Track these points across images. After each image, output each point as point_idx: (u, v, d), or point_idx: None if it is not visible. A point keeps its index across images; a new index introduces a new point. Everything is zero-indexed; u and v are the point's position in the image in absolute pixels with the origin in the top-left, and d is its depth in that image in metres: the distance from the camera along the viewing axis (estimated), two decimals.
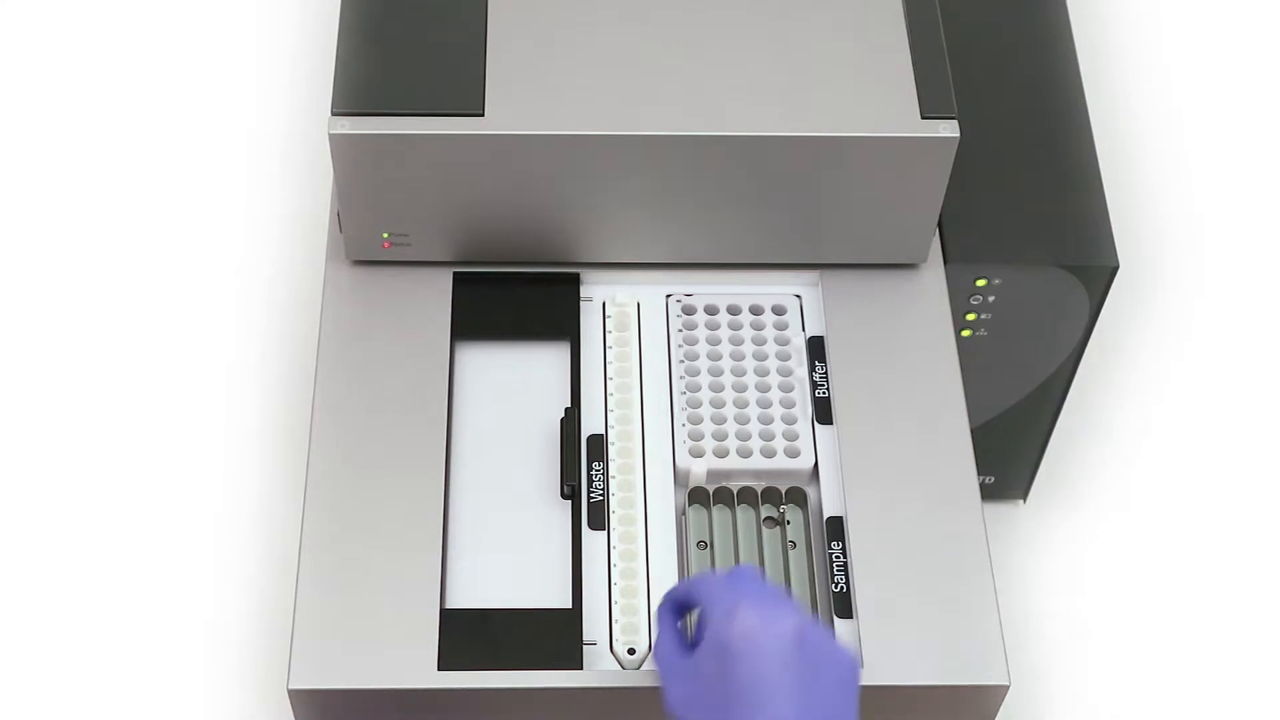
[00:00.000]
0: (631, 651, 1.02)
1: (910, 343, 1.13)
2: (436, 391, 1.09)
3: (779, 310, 1.15)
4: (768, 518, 1.09)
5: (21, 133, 1.57)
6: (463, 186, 1.08)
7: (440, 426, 1.08)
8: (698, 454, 1.09)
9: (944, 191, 1.10)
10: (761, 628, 0.90)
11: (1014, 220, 1.20)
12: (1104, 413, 1.47)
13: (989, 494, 1.37)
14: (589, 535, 1.06)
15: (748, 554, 1.07)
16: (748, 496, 1.08)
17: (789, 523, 1.08)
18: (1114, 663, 1.36)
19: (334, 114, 1.06)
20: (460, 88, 1.07)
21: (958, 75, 1.20)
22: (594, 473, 1.08)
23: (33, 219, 1.52)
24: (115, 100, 1.58)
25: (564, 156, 1.07)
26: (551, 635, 1.02)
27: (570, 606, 1.03)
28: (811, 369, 1.13)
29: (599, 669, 1.01)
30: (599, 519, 1.07)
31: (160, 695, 1.30)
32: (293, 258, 1.49)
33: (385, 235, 1.11)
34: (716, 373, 1.13)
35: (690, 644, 0.94)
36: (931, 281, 1.16)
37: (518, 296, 1.14)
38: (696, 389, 1.12)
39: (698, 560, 1.06)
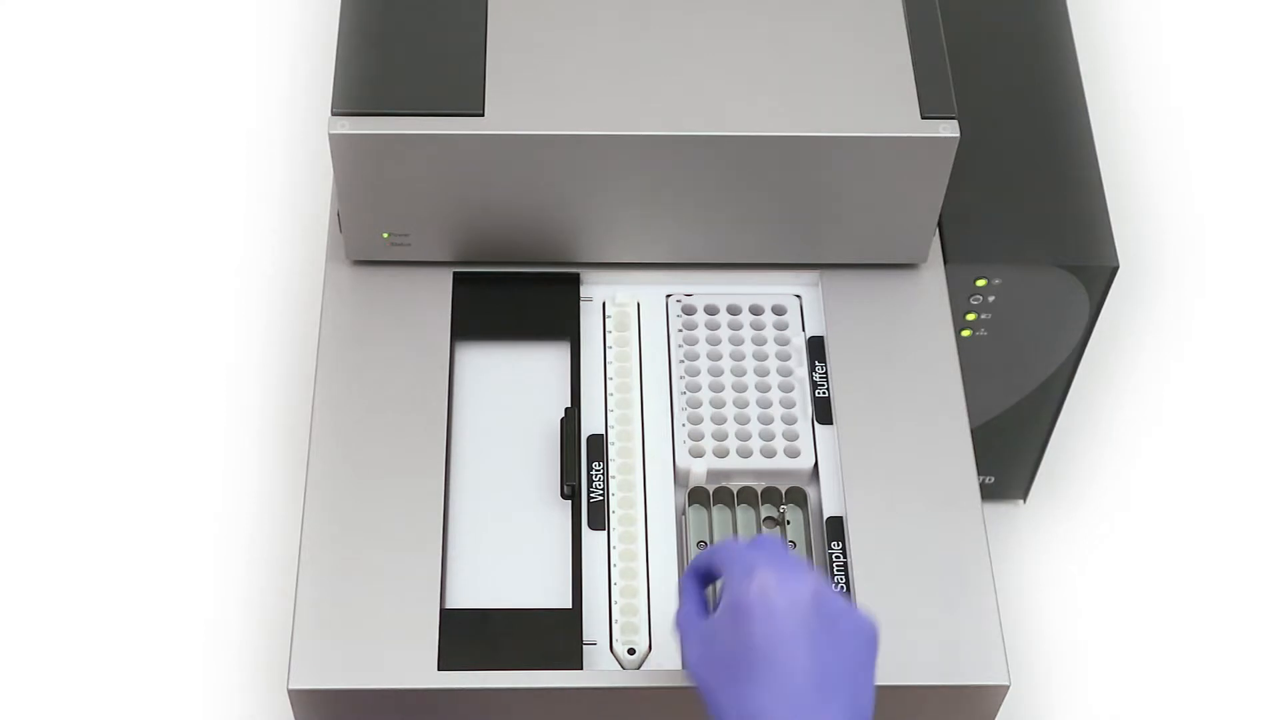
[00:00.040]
0: (631, 651, 1.02)
1: (910, 343, 1.13)
2: (436, 391, 1.09)
3: (779, 310, 1.15)
4: (768, 518, 1.09)
5: (21, 133, 1.57)
6: (463, 186, 1.08)
7: (440, 426, 1.08)
8: (698, 454, 1.09)
9: (944, 191, 1.10)
10: (779, 587, 0.90)
11: (1014, 220, 1.20)
12: (1104, 413, 1.47)
13: (989, 494, 1.37)
14: (589, 535, 1.06)
15: None
16: (748, 496, 1.08)
17: (789, 523, 1.08)
18: (1113, 663, 1.36)
19: (334, 114, 1.06)
20: (460, 88, 1.07)
21: (958, 75, 1.20)
22: (594, 473, 1.08)
23: (33, 219, 1.52)
24: (115, 100, 1.58)
25: (564, 156, 1.07)
26: (551, 635, 1.02)
27: (570, 606, 1.03)
28: (811, 369, 1.13)
29: (599, 669, 1.01)
30: (599, 519, 1.07)
31: (160, 695, 1.30)
32: (293, 258, 1.49)
33: (385, 235, 1.11)
34: (716, 373, 1.13)
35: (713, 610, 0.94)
36: (931, 281, 1.16)
37: (518, 296, 1.14)
38: (696, 389, 1.12)
39: None
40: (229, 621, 1.33)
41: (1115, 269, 1.19)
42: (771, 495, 1.09)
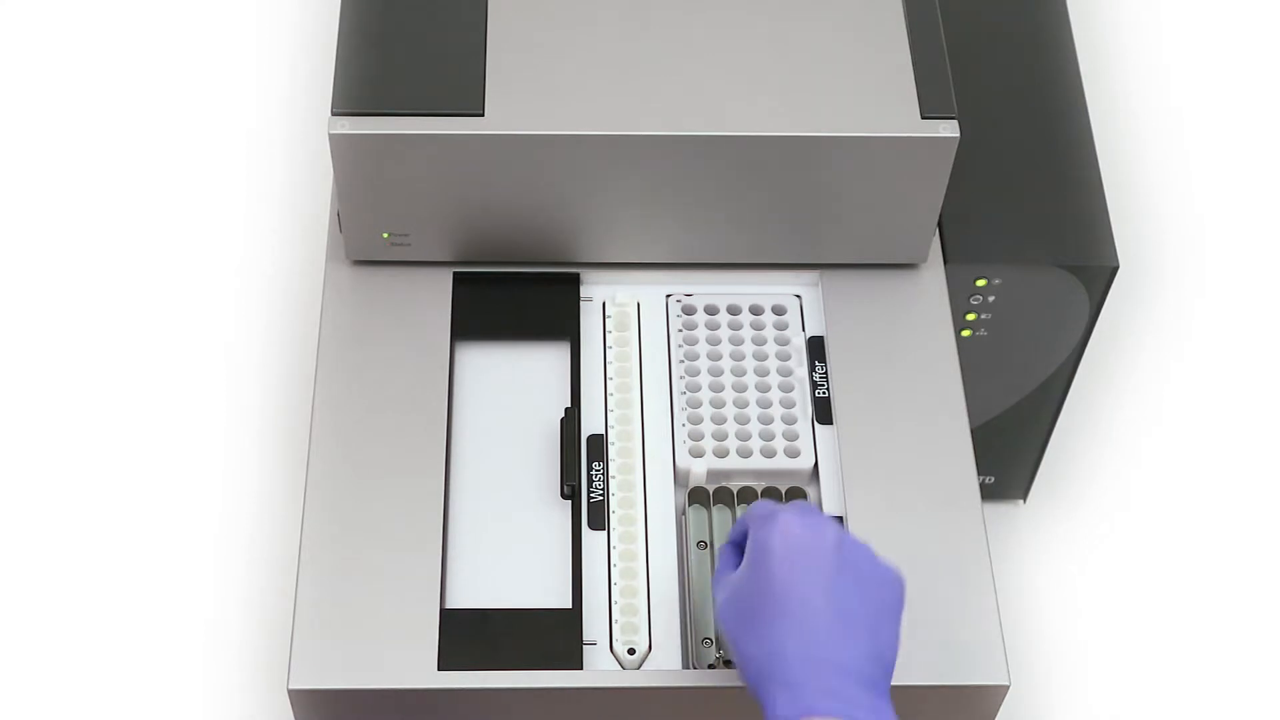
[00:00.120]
0: (631, 651, 1.02)
1: (910, 343, 1.13)
2: (436, 391, 1.09)
3: (779, 310, 1.15)
4: None
5: (21, 133, 1.57)
6: (463, 186, 1.08)
7: (440, 426, 1.08)
8: (698, 454, 1.09)
9: (944, 191, 1.10)
10: (801, 530, 0.91)
11: (1014, 220, 1.20)
12: (1104, 413, 1.47)
13: (989, 494, 1.37)
14: (589, 535, 1.06)
15: None
16: (748, 496, 1.08)
17: None
18: (1113, 663, 1.36)
19: (334, 114, 1.06)
20: (460, 88, 1.07)
21: (958, 75, 1.20)
22: (594, 473, 1.08)
23: (33, 219, 1.52)
24: (115, 100, 1.58)
25: (564, 156, 1.07)
26: (551, 635, 1.02)
27: (570, 606, 1.03)
28: (811, 369, 1.13)
29: (599, 669, 1.01)
30: (599, 519, 1.07)
31: (160, 695, 1.30)
32: (293, 258, 1.49)
33: (385, 235, 1.11)
34: (716, 373, 1.13)
35: None
36: (931, 281, 1.16)
37: (518, 296, 1.14)
38: (696, 389, 1.12)
39: (698, 560, 1.06)
40: (229, 621, 1.33)
41: (1115, 269, 1.19)
42: (772, 495, 1.09)
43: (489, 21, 1.10)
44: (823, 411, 1.11)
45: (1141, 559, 1.41)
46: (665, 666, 1.02)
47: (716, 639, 1.03)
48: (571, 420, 1.09)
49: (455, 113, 1.06)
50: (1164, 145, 1.60)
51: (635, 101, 1.07)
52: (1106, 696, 1.35)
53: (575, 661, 1.01)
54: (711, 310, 1.15)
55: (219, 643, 1.32)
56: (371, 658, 1.00)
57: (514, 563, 1.05)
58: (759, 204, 1.10)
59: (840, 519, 1.06)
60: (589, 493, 1.07)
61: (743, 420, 1.11)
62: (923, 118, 1.07)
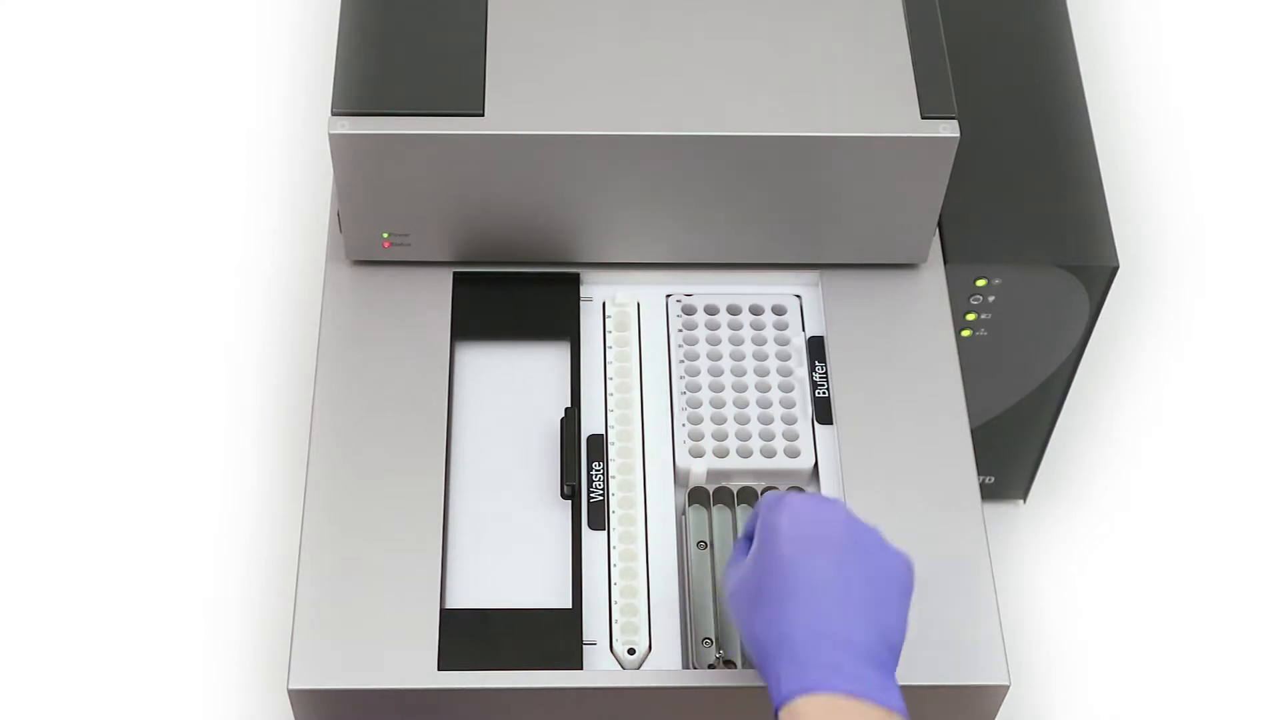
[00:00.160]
0: (631, 651, 1.02)
1: (910, 343, 1.13)
2: (436, 391, 1.09)
3: (779, 310, 1.15)
4: None
5: (21, 133, 1.57)
6: (463, 186, 1.08)
7: (440, 426, 1.08)
8: (698, 454, 1.09)
9: (944, 191, 1.10)
10: (809, 512, 0.92)
11: (1014, 220, 1.20)
12: (1104, 413, 1.47)
13: (989, 494, 1.37)
14: (589, 535, 1.06)
15: None
16: (748, 496, 1.08)
17: None
18: (1113, 663, 1.36)
19: (334, 114, 1.06)
20: (460, 88, 1.07)
21: (958, 75, 1.20)
22: (594, 473, 1.08)
23: (33, 219, 1.52)
24: (115, 100, 1.58)
25: (564, 156, 1.07)
26: (551, 635, 1.02)
27: (570, 606, 1.03)
28: (811, 369, 1.13)
29: (599, 669, 1.01)
30: (599, 519, 1.07)
31: (160, 695, 1.30)
32: (293, 258, 1.49)
33: (385, 235, 1.11)
34: (716, 373, 1.13)
35: None
36: (931, 281, 1.16)
37: (518, 296, 1.14)
38: (696, 389, 1.12)
39: (698, 560, 1.06)
40: (229, 621, 1.33)
41: (1115, 269, 1.19)
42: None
43: (489, 21, 1.10)
44: (823, 411, 1.11)
45: (1141, 559, 1.41)
46: (665, 666, 1.02)
47: (716, 639, 1.03)
48: (571, 420, 1.09)
49: (455, 113, 1.06)
50: (1164, 145, 1.60)
51: (635, 101, 1.07)
52: (1106, 696, 1.35)
53: (575, 661, 1.01)
54: (711, 310, 1.15)
55: (219, 643, 1.32)
56: (371, 658, 1.00)
57: (514, 563, 1.05)
58: (759, 204, 1.10)
59: None
60: (589, 493, 1.07)
61: (743, 420, 1.11)
62: (923, 118, 1.07)
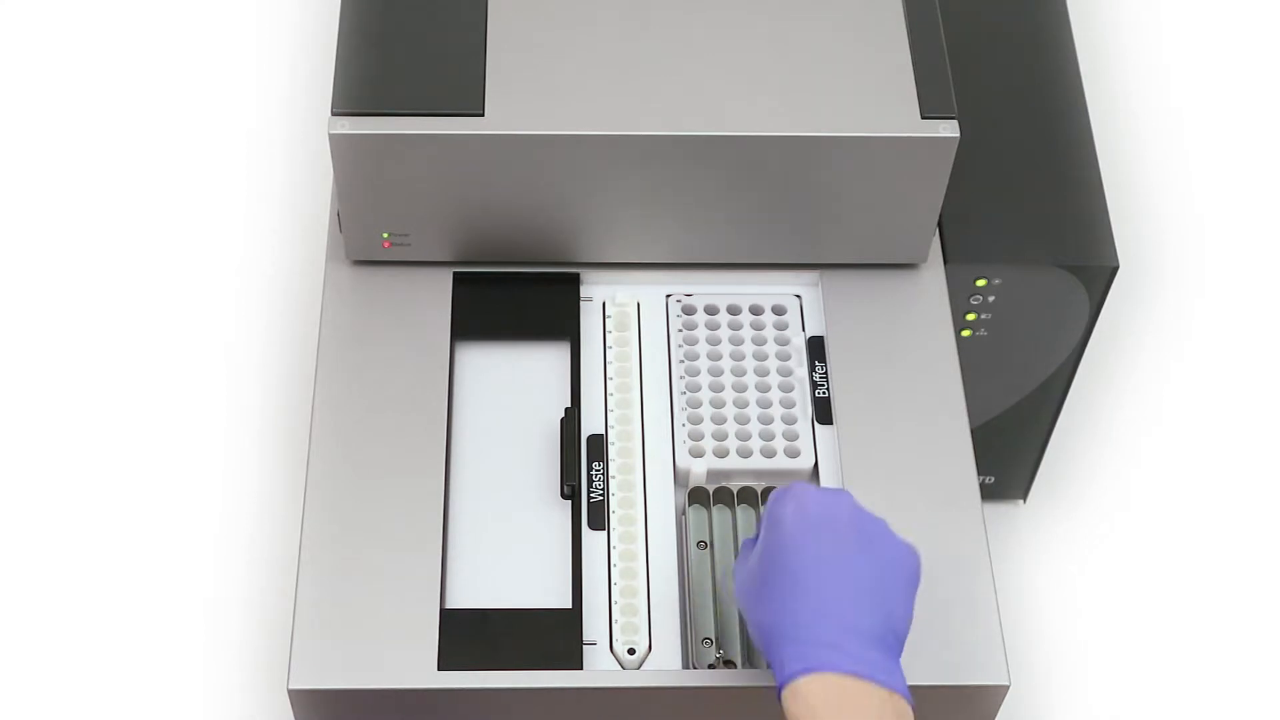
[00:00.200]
0: (631, 651, 1.02)
1: (910, 343, 1.13)
2: (436, 391, 1.09)
3: (779, 310, 1.15)
4: None
5: (21, 133, 1.57)
6: (463, 186, 1.08)
7: (440, 426, 1.08)
8: (698, 454, 1.09)
9: (944, 191, 1.10)
10: (815, 500, 0.92)
11: (1014, 220, 1.20)
12: (1104, 413, 1.47)
13: (989, 494, 1.37)
14: (589, 535, 1.06)
15: None
16: (748, 496, 1.08)
17: None
18: (1113, 663, 1.36)
19: (334, 114, 1.06)
20: (460, 88, 1.07)
21: (958, 75, 1.20)
22: (594, 473, 1.08)
23: (33, 219, 1.52)
24: (115, 100, 1.58)
25: (564, 156, 1.07)
26: (551, 635, 1.02)
27: (570, 606, 1.03)
28: (811, 369, 1.13)
29: (599, 669, 1.01)
30: (599, 519, 1.07)
31: (160, 695, 1.30)
32: (293, 258, 1.49)
33: (385, 235, 1.11)
34: (716, 373, 1.13)
35: None
36: (931, 281, 1.16)
37: (518, 296, 1.14)
38: (696, 389, 1.12)
39: (698, 560, 1.06)
40: (229, 621, 1.33)
41: (1115, 269, 1.19)
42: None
43: (489, 21, 1.10)
44: (823, 411, 1.11)
45: (1141, 559, 1.41)
46: (665, 666, 1.02)
47: (716, 639, 1.03)
48: (571, 420, 1.09)
49: (455, 113, 1.06)
50: (1164, 145, 1.60)
51: (635, 101, 1.07)
52: (1106, 696, 1.35)
53: (575, 661, 1.01)
54: (711, 310, 1.15)
55: (219, 643, 1.32)
56: (371, 658, 1.00)
57: (514, 563, 1.05)
58: (759, 204, 1.10)
59: None
60: (589, 493, 1.07)
61: (743, 420, 1.11)
62: (923, 118, 1.07)
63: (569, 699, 1.00)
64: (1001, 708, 1.03)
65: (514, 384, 1.12)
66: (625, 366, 1.13)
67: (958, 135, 1.07)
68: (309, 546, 1.03)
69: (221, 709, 1.29)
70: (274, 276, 1.48)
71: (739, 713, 1.01)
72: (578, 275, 1.15)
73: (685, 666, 1.02)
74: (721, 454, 1.09)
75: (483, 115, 1.06)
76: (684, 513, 1.08)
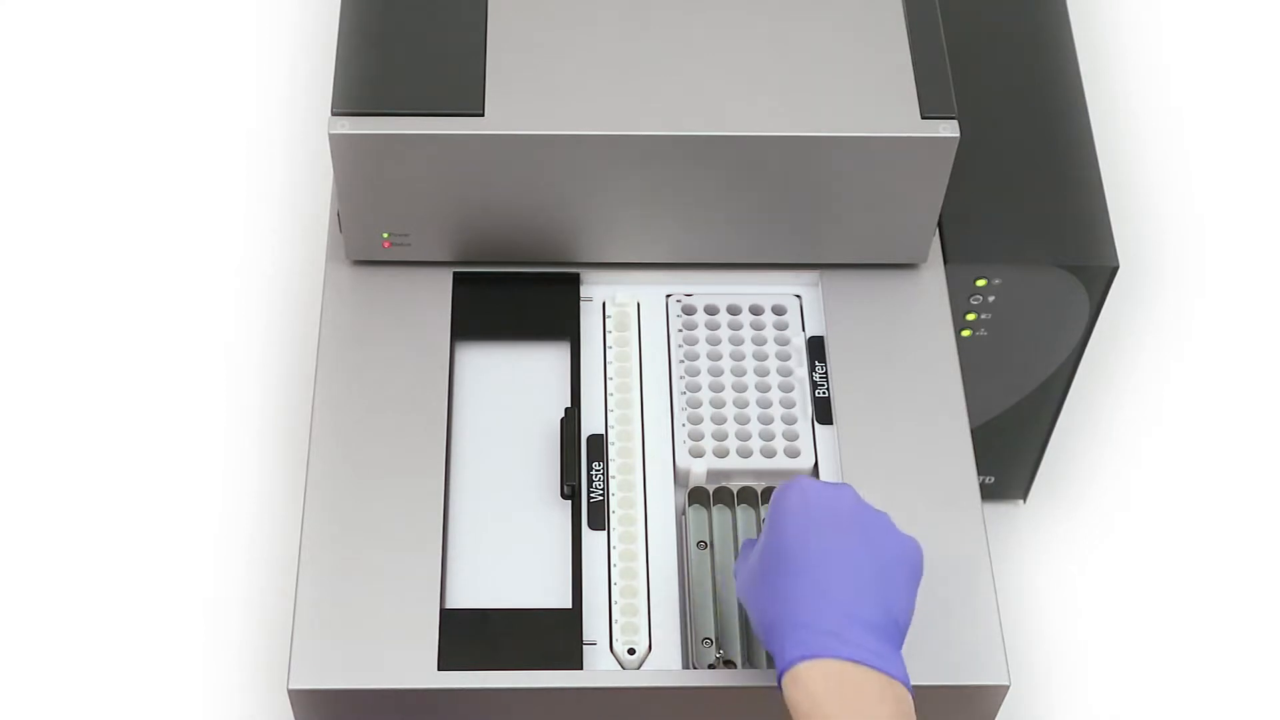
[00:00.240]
0: (631, 651, 1.02)
1: (910, 343, 1.13)
2: (436, 391, 1.09)
3: (779, 310, 1.15)
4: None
5: (21, 133, 1.57)
6: (463, 186, 1.08)
7: (440, 426, 1.08)
8: (698, 454, 1.09)
9: (944, 191, 1.10)
10: (818, 491, 0.93)
11: (1014, 220, 1.20)
12: (1104, 413, 1.47)
13: (989, 494, 1.37)
14: (589, 535, 1.06)
15: None
16: (748, 496, 1.08)
17: None
18: (1113, 663, 1.36)
19: (334, 114, 1.06)
20: (460, 88, 1.07)
21: (958, 75, 1.20)
22: (594, 473, 1.08)
23: (33, 219, 1.52)
24: (115, 100, 1.58)
25: (564, 156, 1.07)
26: (551, 635, 1.02)
27: (570, 606, 1.03)
28: (811, 369, 1.13)
29: (599, 669, 1.01)
30: (599, 519, 1.07)
31: (160, 695, 1.30)
32: (293, 258, 1.49)
33: (385, 235, 1.11)
34: (716, 373, 1.13)
35: None
36: (931, 281, 1.16)
37: (518, 296, 1.14)
38: (696, 389, 1.12)
39: (698, 560, 1.06)
40: (229, 621, 1.33)
41: (1115, 269, 1.19)
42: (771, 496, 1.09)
43: (489, 21, 1.10)
44: (823, 411, 1.11)
45: (1141, 559, 1.41)
46: (665, 666, 1.02)
47: (716, 639, 1.03)
48: (571, 420, 1.09)
49: (455, 113, 1.06)
50: (1164, 145, 1.60)
51: (635, 101, 1.07)
52: (1106, 696, 1.35)
53: (575, 661, 1.01)
54: (711, 310, 1.15)
55: (219, 643, 1.32)
56: (371, 658, 1.00)
57: (514, 563, 1.05)
58: (759, 204, 1.10)
59: None
60: (589, 493, 1.07)
61: (743, 420, 1.11)
62: (923, 118, 1.07)
63: (569, 699, 1.00)
64: (1001, 708, 1.03)
65: (514, 384, 1.12)
66: (625, 366, 1.13)
67: (958, 135, 1.07)
68: (309, 546, 1.03)
69: (221, 709, 1.29)
70: (274, 276, 1.48)
71: (739, 713, 1.01)
72: (578, 275, 1.15)
73: (685, 666, 1.02)
74: (721, 454, 1.09)
75: (483, 115, 1.06)
76: (684, 513, 1.08)
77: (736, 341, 1.14)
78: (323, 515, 1.05)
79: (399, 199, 1.09)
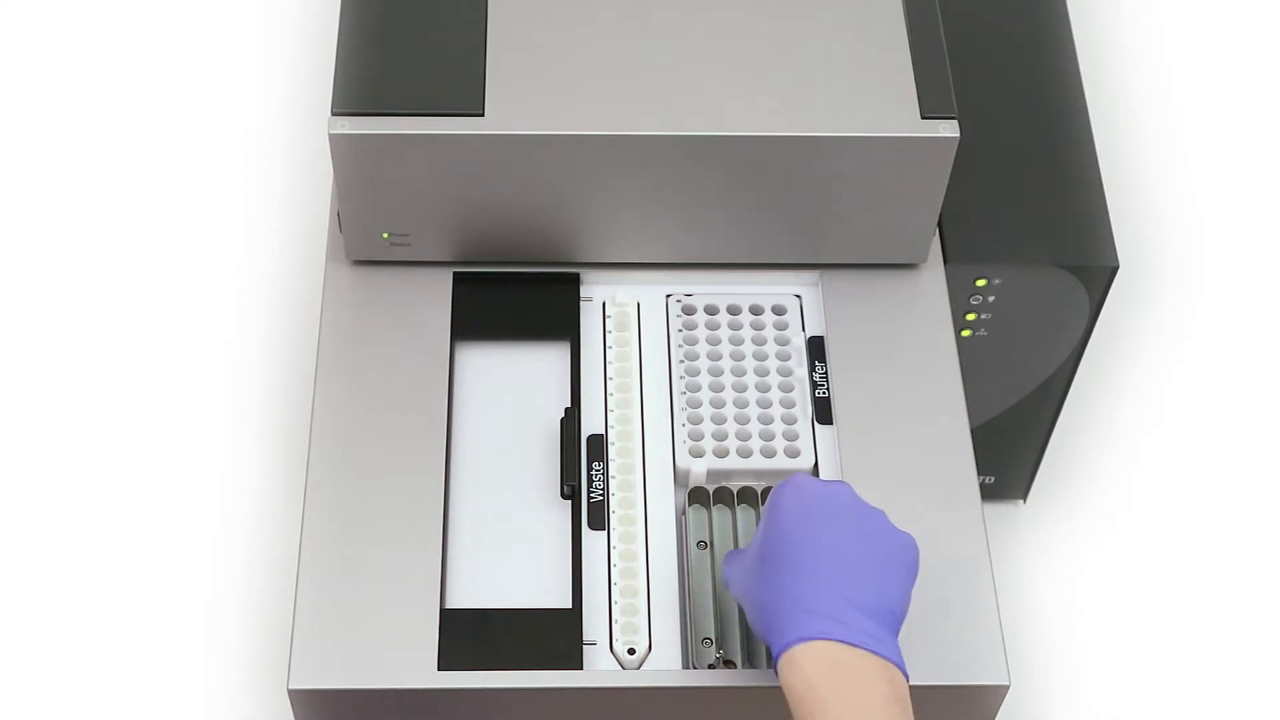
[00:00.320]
0: (631, 651, 1.02)
1: (910, 343, 1.13)
2: (436, 391, 1.09)
3: (779, 310, 1.15)
4: None
5: (21, 133, 1.57)
6: (463, 186, 1.08)
7: (440, 426, 1.08)
8: (698, 454, 1.09)
9: (944, 191, 1.10)
10: (815, 487, 0.93)
11: (1014, 220, 1.20)
12: (1104, 413, 1.47)
13: (989, 494, 1.37)
14: (589, 535, 1.06)
15: None
16: (748, 496, 1.08)
17: None
18: (1113, 663, 1.36)
19: (334, 114, 1.06)
20: (460, 88, 1.07)
21: (958, 75, 1.20)
22: (594, 473, 1.08)
23: (33, 219, 1.52)
24: (115, 100, 1.58)
25: (564, 156, 1.07)
26: (551, 635, 1.02)
27: (570, 606, 1.03)
28: (811, 369, 1.13)
29: (599, 669, 1.01)
30: (599, 519, 1.07)
31: (160, 695, 1.30)
32: (293, 258, 1.49)
33: (385, 235, 1.11)
34: (716, 373, 1.13)
35: None
36: (931, 281, 1.16)
37: (518, 296, 1.14)
38: (696, 389, 1.12)
39: (698, 560, 1.06)
40: (229, 621, 1.33)
41: (1115, 269, 1.19)
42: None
43: (489, 21, 1.10)
44: (823, 411, 1.11)
45: (1141, 559, 1.41)
46: (665, 666, 1.02)
47: (717, 639, 1.03)
48: (571, 420, 1.09)
49: (455, 113, 1.06)
50: (1164, 145, 1.60)
51: (635, 101, 1.07)
52: (1106, 696, 1.35)
53: (575, 661, 1.01)
54: (711, 310, 1.15)
55: (219, 643, 1.32)
56: (371, 658, 1.00)
57: (514, 563, 1.05)
58: (759, 204, 1.10)
59: None
60: (589, 493, 1.07)
61: (743, 420, 1.11)
62: (923, 118, 1.07)
63: (569, 699, 1.00)
64: (1001, 708, 1.03)
65: (514, 384, 1.12)
66: (625, 366, 1.13)
67: (958, 135, 1.07)
68: (309, 546, 1.03)
69: (221, 709, 1.29)
70: (274, 276, 1.48)
71: (739, 713, 1.01)
72: (578, 275, 1.15)
73: (685, 666, 1.02)
74: (721, 454, 1.09)
75: (483, 115, 1.06)
76: (684, 513, 1.08)
77: (736, 341, 1.14)
78: (323, 515, 1.05)
79: (399, 199, 1.09)
